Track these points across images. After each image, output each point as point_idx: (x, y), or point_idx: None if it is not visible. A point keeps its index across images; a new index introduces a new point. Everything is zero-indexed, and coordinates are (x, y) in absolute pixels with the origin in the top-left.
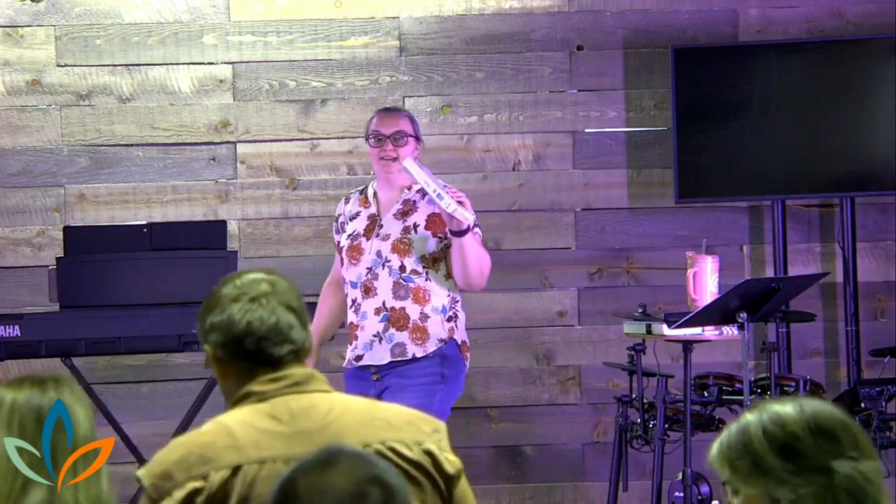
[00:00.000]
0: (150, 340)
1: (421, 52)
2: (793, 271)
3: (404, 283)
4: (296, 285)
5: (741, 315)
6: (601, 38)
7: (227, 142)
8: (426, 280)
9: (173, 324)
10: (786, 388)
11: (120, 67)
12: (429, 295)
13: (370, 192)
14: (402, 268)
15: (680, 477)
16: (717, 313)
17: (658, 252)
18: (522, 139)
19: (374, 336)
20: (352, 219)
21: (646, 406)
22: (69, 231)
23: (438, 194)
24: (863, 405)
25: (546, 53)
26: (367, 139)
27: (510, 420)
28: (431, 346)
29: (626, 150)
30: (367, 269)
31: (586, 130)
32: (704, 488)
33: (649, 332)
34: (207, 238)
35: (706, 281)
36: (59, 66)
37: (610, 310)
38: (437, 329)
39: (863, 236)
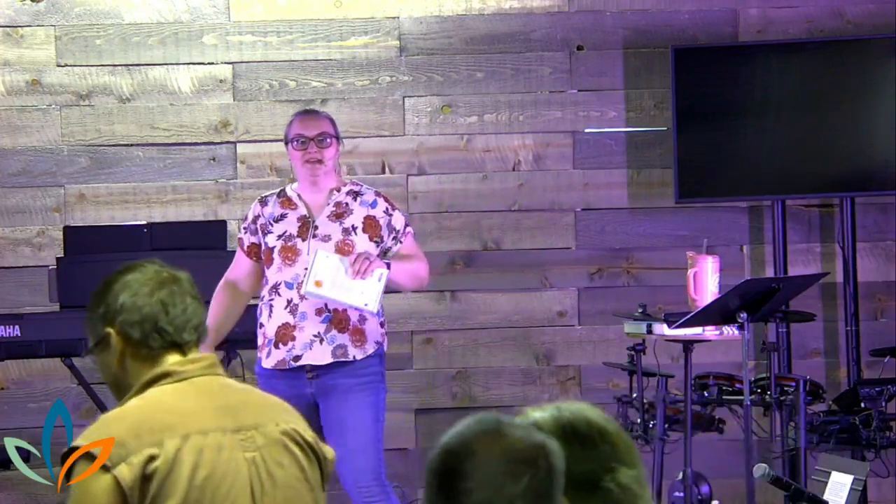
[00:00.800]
0: None
1: (421, 52)
2: (793, 271)
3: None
4: None
5: (741, 315)
6: (601, 38)
7: (227, 142)
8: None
9: None
10: (786, 388)
11: (120, 67)
12: None
13: (291, 194)
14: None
15: (680, 477)
16: (717, 313)
17: (658, 252)
18: (522, 139)
19: (315, 336)
20: (276, 220)
21: (646, 406)
22: (69, 231)
23: (358, 309)
24: (863, 405)
25: (546, 53)
26: (287, 142)
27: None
28: (370, 348)
29: (626, 150)
30: (306, 268)
31: (586, 130)
32: (704, 488)
33: (649, 332)
34: (207, 238)
35: (706, 281)
36: (59, 66)
37: (610, 310)
38: (374, 331)
39: (863, 236)
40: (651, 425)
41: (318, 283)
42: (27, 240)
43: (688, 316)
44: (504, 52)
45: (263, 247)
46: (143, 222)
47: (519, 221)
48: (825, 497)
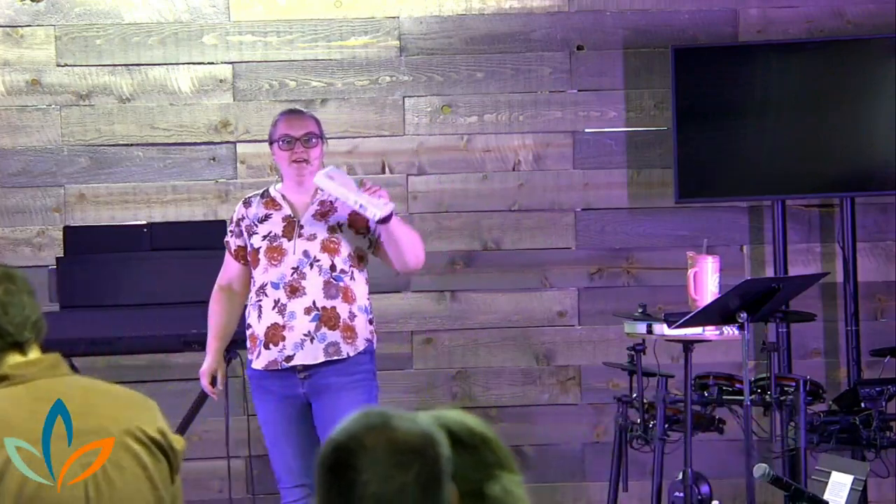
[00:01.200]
0: (150, 340)
1: (421, 52)
2: (793, 271)
3: (335, 282)
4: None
5: (741, 315)
6: (601, 38)
7: (227, 142)
8: (351, 279)
9: (173, 324)
10: (786, 388)
11: (120, 67)
12: (355, 294)
13: (275, 194)
14: (333, 267)
15: (680, 477)
16: (717, 313)
17: (658, 252)
18: (522, 139)
19: (305, 335)
20: (261, 221)
21: (646, 406)
22: (69, 231)
23: (360, 205)
24: (863, 405)
25: (546, 53)
26: (272, 143)
27: (510, 420)
28: (361, 345)
29: (626, 150)
30: (293, 269)
31: (586, 130)
32: (704, 488)
33: (649, 332)
34: (207, 238)
35: (707, 281)
36: (59, 66)
37: (610, 310)
38: (363, 328)
39: (863, 236)
40: (651, 425)
41: (329, 177)
42: (27, 240)
43: (688, 316)
44: (504, 52)
45: (249, 248)
46: (143, 222)
47: (519, 221)
48: (825, 497)
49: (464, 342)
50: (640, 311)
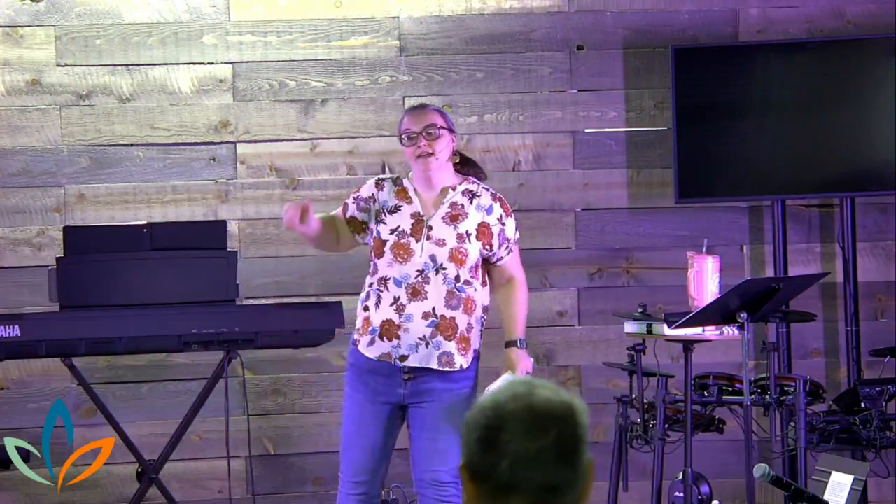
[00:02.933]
0: (150, 340)
1: (421, 52)
2: (793, 271)
3: (458, 293)
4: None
5: (741, 315)
6: (601, 38)
7: (227, 142)
8: (474, 290)
9: (173, 324)
10: (786, 388)
11: (120, 67)
12: (475, 305)
13: (407, 185)
14: (458, 277)
15: (680, 477)
16: (717, 313)
17: (658, 252)
18: (522, 139)
19: (420, 339)
20: (390, 211)
21: (646, 406)
22: (69, 231)
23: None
24: (863, 405)
25: (546, 53)
26: (400, 141)
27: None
28: (470, 356)
29: (626, 150)
30: (418, 271)
31: (586, 130)
32: (704, 488)
33: (649, 332)
34: (207, 238)
35: (706, 281)
36: (59, 66)
37: (610, 310)
38: (476, 339)
39: (863, 236)
40: (651, 425)
41: None
42: (27, 240)
43: (688, 316)
44: (504, 52)
45: (374, 234)
46: (143, 222)
47: (519, 221)
48: (825, 497)
49: None
50: (640, 311)
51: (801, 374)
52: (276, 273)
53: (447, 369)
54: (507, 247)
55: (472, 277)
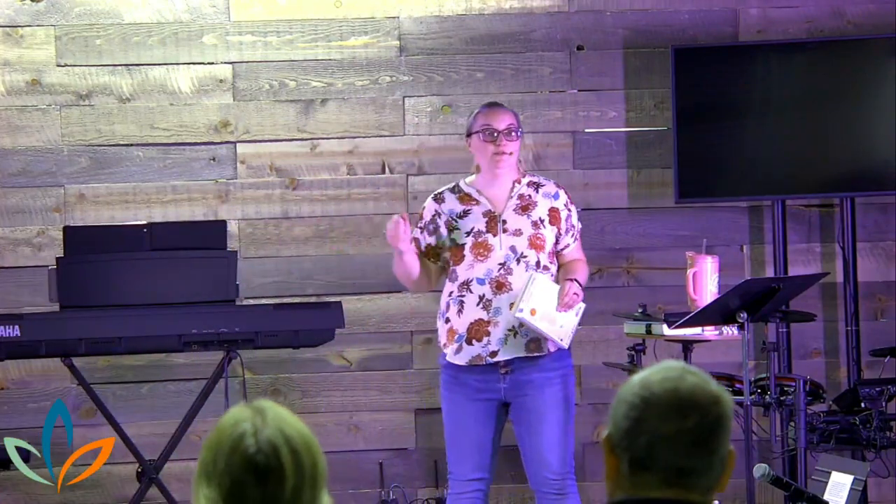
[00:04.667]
0: (150, 340)
1: (421, 52)
2: (793, 271)
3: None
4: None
5: (741, 315)
6: (601, 38)
7: (227, 142)
8: (551, 275)
9: (173, 324)
10: (786, 388)
11: (120, 67)
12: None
13: (468, 190)
14: (538, 263)
15: None
16: (717, 313)
17: (658, 252)
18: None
19: (509, 331)
20: (460, 217)
21: None
22: (69, 231)
23: (560, 338)
24: (863, 405)
25: (546, 53)
26: (472, 133)
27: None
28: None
29: (626, 150)
30: (500, 264)
31: (586, 130)
32: None
33: (649, 332)
34: (207, 238)
35: (706, 281)
36: (59, 66)
37: (610, 310)
38: None
39: (863, 236)
40: None
41: (532, 311)
42: (27, 240)
43: (688, 316)
44: (504, 52)
45: (449, 244)
46: (143, 222)
47: None
48: (825, 497)
49: None
50: (640, 311)
51: (801, 374)
52: (276, 273)
53: (536, 354)
54: (573, 234)
55: (550, 262)
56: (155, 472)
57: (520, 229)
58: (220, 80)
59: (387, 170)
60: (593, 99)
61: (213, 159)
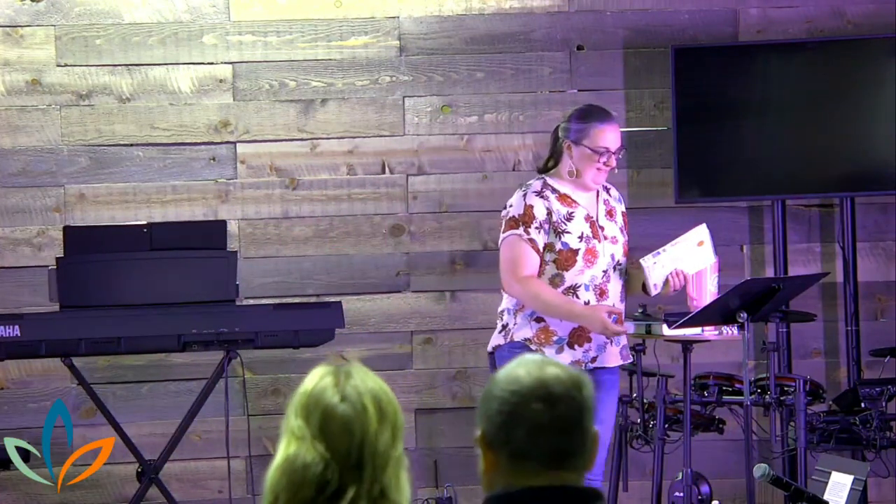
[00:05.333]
0: (150, 340)
1: (421, 52)
2: (793, 271)
3: (624, 284)
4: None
5: (741, 315)
6: (601, 38)
7: (227, 142)
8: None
9: (173, 324)
10: (786, 388)
11: (120, 67)
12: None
13: (565, 190)
14: (625, 270)
15: (680, 477)
16: (717, 313)
17: None
18: (522, 139)
19: (608, 339)
20: (567, 219)
21: (646, 406)
22: (69, 231)
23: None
24: (863, 405)
25: (546, 53)
26: (580, 143)
27: None
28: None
29: (626, 150)
30: (603, 271)
31: None
32: (704, 488)
33: (649, 332)
34: (207, 238)
35: (706, 281)
36: (59, 66)
37: None
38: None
39: (863, 236)
40: (651, 425)
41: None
42: (27, 240)
43: (688, 316)
44: (504, 52)
45: (560, 247)
46: (143, 222)
47: None
48: (825, 497)
49: (464, 342)
50: (640, 311)
51: (801, 374)
52: (276, 273)
53: (626, 362)
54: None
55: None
56: (155, 472)
57: (615, 237)
58: (220, 80)
59: (387, 170)
60: (593, 99)
61: (213, 159)
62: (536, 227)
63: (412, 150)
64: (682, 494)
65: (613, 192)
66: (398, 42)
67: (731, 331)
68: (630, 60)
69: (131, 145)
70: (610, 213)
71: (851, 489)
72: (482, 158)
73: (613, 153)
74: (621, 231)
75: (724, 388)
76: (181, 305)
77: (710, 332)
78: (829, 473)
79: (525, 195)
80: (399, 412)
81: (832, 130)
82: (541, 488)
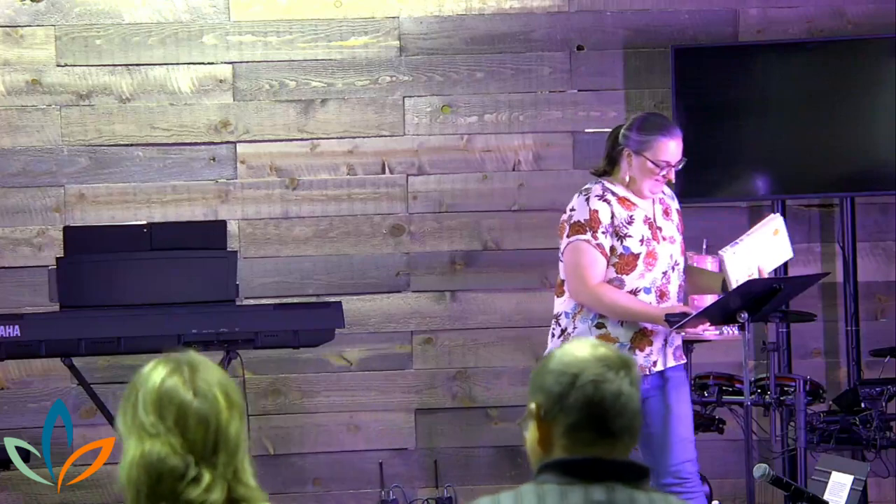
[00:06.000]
0: (150, 340)
1: (421, 52)
2: (793, 271)
3: (682, 283)
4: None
5: (742, 315)
6: (601, 38)
7: (227, 142)
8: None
9: (173, 324)
10: (786, 388)
11: (120, 67)
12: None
13: (624, 193)
14: (683, 269)
15: None
16: (718, 313)
17: None
18: (522, 139)
19: (664, 341)
20: (628, 223)
21: None
22: (69, 231)
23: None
24: (863, 405)
25: (546, 53)
26: (642, 153)
27: (510, 420)
28: None
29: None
30: (663, 273)
31: (586, 130)
32: (704, 488)
33: None
34: (207, 238)
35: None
36: (59, 66)
37: None
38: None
39: (863, 236)
40: None
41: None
42: (27, 240)
43: (689, 317)
44: (504, 52)
45: (622, 251)
46: (143, 222)
47: (519, 221)
48: (825, 497)
49: (464, 342)
50: None
51: (801, 374)
52: (276, 273)
53: (681, 362)
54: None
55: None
56: None
57: (672, 237)
58: (220, 80)
59: (387, 170)
60: (593, 99)
61: (213, 159)
62: (603, 232)
63: (412, 150)
64: None
65: (667, 189)
66: (398, 42)
67: (731, 331)
68: (630, 60)
69: (131, 145)
70: (666, 213)
71: (851, 489)
72: (482, 158)
73: (673, 166)
74: (678, 229)
75: (725, 388)
76: (181, 305)
77: (710, 332)
78: (829, 473)
79: (588, 199)
80: (240, 396)
81: (832, 130)
82: (595, 459)
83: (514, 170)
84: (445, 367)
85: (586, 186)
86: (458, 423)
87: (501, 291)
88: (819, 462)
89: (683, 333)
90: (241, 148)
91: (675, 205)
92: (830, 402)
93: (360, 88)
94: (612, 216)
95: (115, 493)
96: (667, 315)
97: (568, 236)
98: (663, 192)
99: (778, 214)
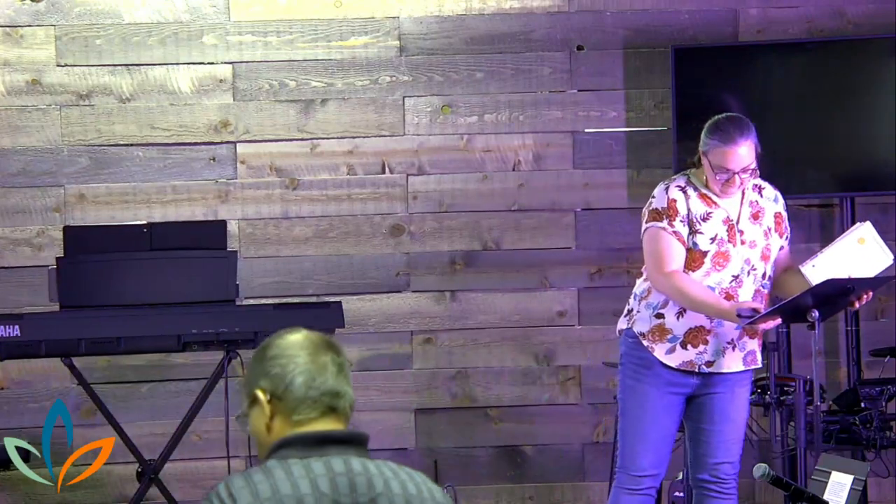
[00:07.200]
0: (150, 340)
1: (421, 52)
2: None
3: (762, 290)
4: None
5: (812, 314)
6: (601, 38)
7: (227, 142)
8: (771, 284)
9: (173, 324)
10: (786, 388)
11: (120, 67)
12: (768, 300)
13: (706, 191)
14: (764, 274)
15: (680, 477)
16: (789, 311)
17: None
18: (522, 139)
19: (728, 343)
20: (703, 219)
21: None
22: (69, 231)
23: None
24: (863, 405)
25: (546, 53)
26: (707, 156)
27: (510, 420)
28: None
29: (626, 150)
30: (733, 276)
31: (586, 130)
32: None
33: None
34: (207, 238)
35: None
36: (59, 66)
37: (610, 310)
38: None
39: None
40: None
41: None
42: (27, 240)
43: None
44: (504, 52)
45: (689, 246)
46: (143, 222)
47: (519, 221)
48: (825, 497)
49: (464, 342)
50: None
51: (801, 374)
52: (276, 273)
53: (753, 367)
54: (787, 236)
55: (771, 272)
56: (155, 473)
57: (754, 241)
58: (220, 80)
59: (387, 170)
60: (593, 99)
61: (213, 159)
62: (681, 221)
63: (412, 150)
64: (682, 494)
65: (768, 191)
66: (398, 42)
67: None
68: (630, 60)
69: (131, 145)
70: (755, 216)
71: (851, 489)
72: (482, 158)
73: (737, 173)
74: (766, 234)
75: None
76: (181, 305)
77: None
78: (829, 473)
79: (667, 188)
80: None
81: (832, 130)
82: (328, 432)
83: (514, 170)
84: (445, 367)
85: (672, 177)
86: (458, 423)
87: (501, 291)
88: (819, 462)
89: (757, 329)
90: (241, 148)
91: (775, 207)
92: (830, 402)
93: (360, 88)
94: (689, 209)
95: (115, 493)
96: (738, 310)
97: (646, 222)
98: (761, 193)
99: (867, 223)
